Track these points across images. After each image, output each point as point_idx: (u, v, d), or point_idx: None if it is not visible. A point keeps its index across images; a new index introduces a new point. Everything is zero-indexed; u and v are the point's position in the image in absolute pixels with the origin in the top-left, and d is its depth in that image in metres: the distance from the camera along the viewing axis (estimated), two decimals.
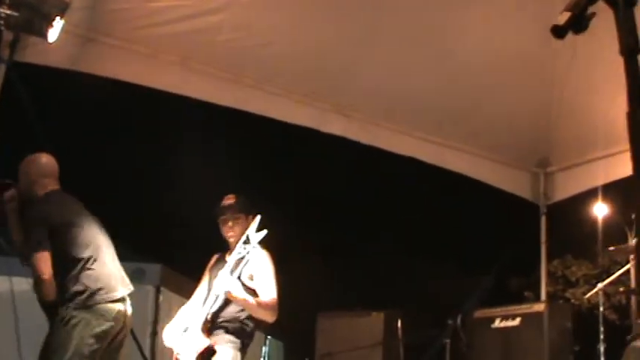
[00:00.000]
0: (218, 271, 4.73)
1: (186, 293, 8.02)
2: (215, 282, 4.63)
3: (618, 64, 2.09)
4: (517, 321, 6.42)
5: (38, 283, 4.45)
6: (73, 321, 4.41)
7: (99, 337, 4.47)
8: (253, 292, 4.68)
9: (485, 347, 6.55)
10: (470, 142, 7.56)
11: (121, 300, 4.67)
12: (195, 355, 4.59)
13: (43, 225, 4.52)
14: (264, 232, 4.60)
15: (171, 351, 4.78)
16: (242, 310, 4.70)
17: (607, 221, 9.06)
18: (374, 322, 7.20)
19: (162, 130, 15.29)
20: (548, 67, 6.64)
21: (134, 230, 5.57)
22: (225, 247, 4.98)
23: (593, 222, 10.01)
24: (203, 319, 4.65)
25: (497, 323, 6.55)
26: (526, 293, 8.63)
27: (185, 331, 4.73)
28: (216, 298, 4.66)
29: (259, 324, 4.87)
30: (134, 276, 7.24)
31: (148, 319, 7.09)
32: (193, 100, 6.38)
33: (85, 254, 4.59)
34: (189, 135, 14.69)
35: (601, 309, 6.63)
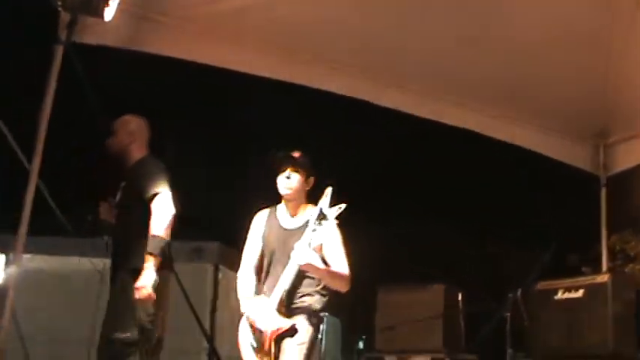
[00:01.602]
0: (278, 239, 4.65)
1: None
2: (293, 254, 4.48)
3: None
4: (580, 292, 6.35)
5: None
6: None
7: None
8: (323, 262, 4.56)
9: (548, 319, 6.49)
10: (529, 115, 7.51)
11: None
12: (273, 335, 4.52)
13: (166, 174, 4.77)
14: (342, 206, 4.43)
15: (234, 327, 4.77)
16: (318, 284, 4.63)
17: None
18: (434, 295, 7.17)
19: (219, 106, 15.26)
20: (605, 38, 6.55)
21: (192, 209, 5.56)
22: (274, 204, 4.82)
23: None
24: (279, 299, 4.52)
25: (560, 295, 6.48)
26: (584, 269, 8.45)
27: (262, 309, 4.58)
28: (295, 270, 4.53)
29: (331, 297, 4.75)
30: (193, 254, 7.51)
31: (207, 297, 7.17)
32: (250, 77, 6.39)
33: None
34: (248, 111, 14.63)
35: None
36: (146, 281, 4.58)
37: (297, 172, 4.65)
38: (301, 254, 4.42)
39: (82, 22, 5.22)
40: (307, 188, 4.68)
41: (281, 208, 4.75)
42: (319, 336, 4.77)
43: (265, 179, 4.84)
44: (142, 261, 4.55)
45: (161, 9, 5.71)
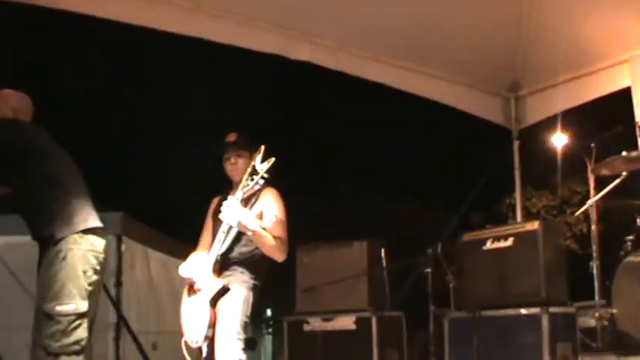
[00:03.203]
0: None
1: (154, 244, 7.95)
2: (223, 215, 4.52)
3: None
4: (510, 241, 6.21)
5: None
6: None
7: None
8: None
9: (477, 270, 6.34)
10: (439, 67, 7.52)
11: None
12: (210, 297, 4.52)
13: None
14: (271, 160, 4.54)
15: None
16: (255, 249, 4.64)
17: (567, 150, 8.93)
18: (357, 251, 6.88)
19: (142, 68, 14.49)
20: None
21: (94, 177, 5.16)
22: (227, 188, 4.95)
23: (553, 151, 9.80)
24: (213, 260, 4.59)
25: (489, 245, 6.33)
26: (486, 227, 8.50)
27: (198, 269, 4.65)
28: (228, 231, 4.57)
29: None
30: None
31: (111, 270, 6.78)
32: (169, 35, 6.27)
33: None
34: (171, 74, 13.92)
35: (593, 226, 6.46)
36: None
37: (239, 156, 4.84)
38: (230, 210, 4.48)
39: None
40: (254, 162, 4.71)
41: (231, 190, 4.86)
42: (251, 300, 4.70)
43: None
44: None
45: None
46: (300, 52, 6.90)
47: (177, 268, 4.79)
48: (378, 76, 7.33)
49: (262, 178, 4.56)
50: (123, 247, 7.09)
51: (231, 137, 4.91)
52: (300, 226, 5.34)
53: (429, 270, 5.80)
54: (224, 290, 4.53)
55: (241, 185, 4.57)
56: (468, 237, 6.53)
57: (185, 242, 6.40)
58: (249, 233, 4.52)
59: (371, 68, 7.27)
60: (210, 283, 4.54)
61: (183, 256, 4.92)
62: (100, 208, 4.48)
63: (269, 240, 4.55)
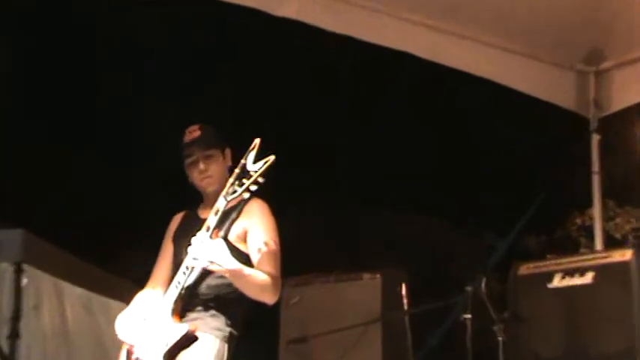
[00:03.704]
0: (190, 234, 4.00)
1: (71, 275, 6.74)
2: (191, 247, 3.89)
3: None
4: (589, 277, 5.08)
5: None
6: None
7: None
8: (246, 259, 4.02)
9: (540, 318, 5.23)
10: (485, 29, 6.17)
11: None
12: (166, 349, 3.87)
13: None
14: (270, 159, 3.76)
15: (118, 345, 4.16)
16: (230, 285, 3.98)
17: None
18: (367, 287, 5.89)
19: None
20: None
21: None
22: (195, 203, 4.38)
23: None
24: (174, 299, 3.96)
25: (558, 282, 5.22)
26: (549, 257, 7.03)
27: (146, 319, 4.13)
28: (190, 269, 3.91)
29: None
30: None
31: (3, 314, 5.63)
32: None
33: None
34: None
35: None
36: None
37: (209, 158, 4.15)
38: (200, 246, 3.82)
39: None
40: (229, 164, 4.22)
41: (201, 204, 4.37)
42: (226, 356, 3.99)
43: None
44: None
45: None
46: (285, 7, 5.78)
47: (109, 311, 4.50)
48: (404, 42, 6.05)
49: (255, 183, 3.78)
50: (24, 280, 5.81)
51: (194, 132, 4.19)
52: (288, 251, 4.28)
53: (468, 316, 5.00)
54: (188, 339, 3.84)
55: (224, 192, 3.85)
56: (526, 269, 5.49)
57: (120, 272, 5.99)
58: (226, 275, 3.92)
59: (391, 30, 5.96)
60: (167, 330, 3.92)
61: (121, 295, 4.59)
62: None
63: (254, 278, 3.94)
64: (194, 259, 3.87)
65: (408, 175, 11.93)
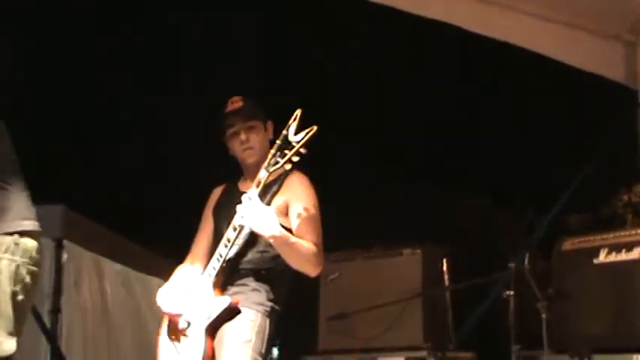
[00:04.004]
0: (231, 207, 3.95)
1: (111, 252, 6.94)
2: (239, 206, 3.81)
3: None
4: (636, 252, 4.92)
5: None
6: None
7: None
8: (288, 232, 3.98)
9: (585, 295, 5.09)
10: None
11: None
12: (209, 322, 3.83)
13: None
14: (313, 129, 3.69)
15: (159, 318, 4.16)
16: (278, 256, 3.90)
17: None
18: (408, 263, 5.80)
19: None
20: None
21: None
22: (235, 176, 4.32)
23: None
24: (215, 272, 3.93)
25: (604, 257, 5.08)
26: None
27: (187, 293, 4.07)
28: (236, 234, 3.85)
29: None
30: None
31: (45, 289, 5.68)
32: None
33: None
34: None
35: None
36: None
37: (251, 129, 4.10)
38: (251, 209, 3.75)
39: None
40: (270, 137, 4.15)
41: (241, 177, 4.32)
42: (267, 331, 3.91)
43: None
44: None
45: None
46: None
47: (147, 287, 4.50)
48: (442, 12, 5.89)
49: (298, 154, 3.72)
50: (64, 256, 5.94)
51: (236, 103, 4.15)
52: (327, 227, 4.18)
53: (510, 293, 4.96)
54: (231, 312, 3.80)
55: (266, 163, 3.79)
56: (570, 244, 5.34)
57: (158, 249, 5.88)
58: (271, 240, 3.87)
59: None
60: (210, 303, 3.88)
61: (158, 272, 4.54)
62: (34, 200, 3.75)
63: (300, 246, 3.85)
64: (241, 217, 3.81)
65: (451, 152, 11.72)
